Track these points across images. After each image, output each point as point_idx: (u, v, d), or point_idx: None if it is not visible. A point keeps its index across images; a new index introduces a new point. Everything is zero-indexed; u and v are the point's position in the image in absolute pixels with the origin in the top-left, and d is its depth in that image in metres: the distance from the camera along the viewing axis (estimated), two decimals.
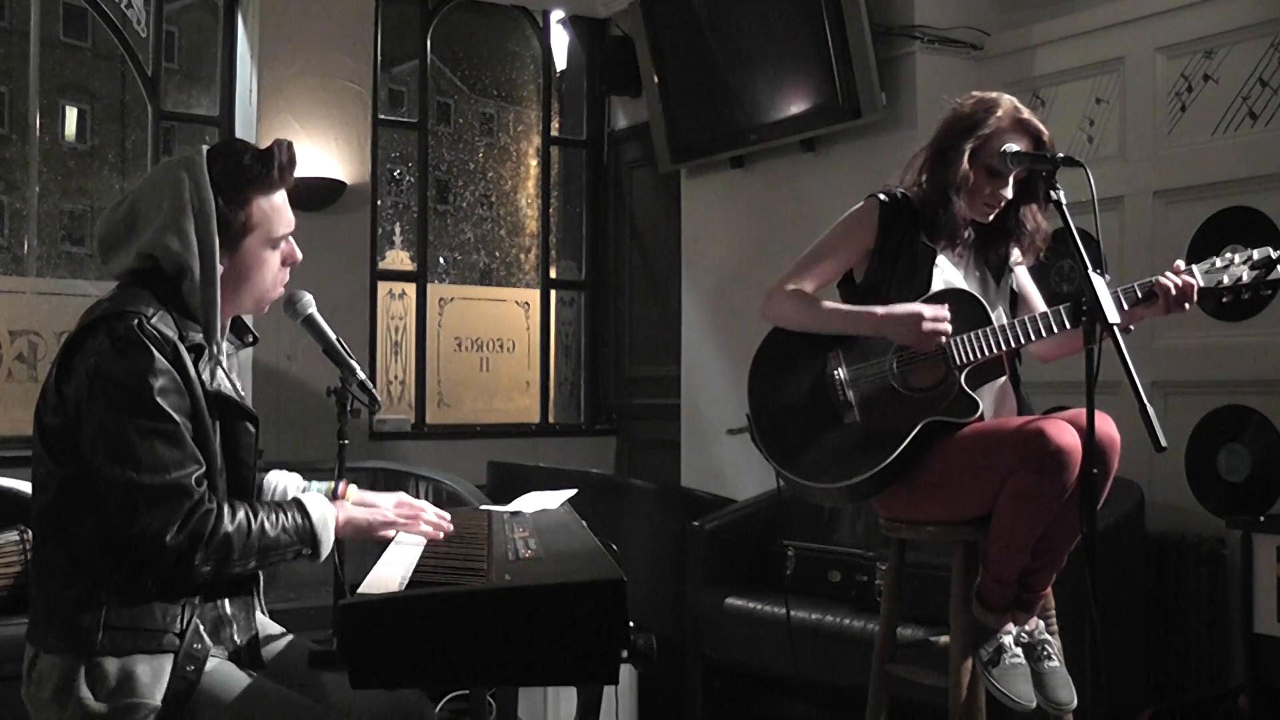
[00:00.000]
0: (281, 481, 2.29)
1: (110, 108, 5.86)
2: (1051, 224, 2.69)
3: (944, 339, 2.56)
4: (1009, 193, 2.62)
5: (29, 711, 1.94)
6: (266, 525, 1.92)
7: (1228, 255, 2.53)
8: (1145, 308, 2.54)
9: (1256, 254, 2.52)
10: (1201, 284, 2.52)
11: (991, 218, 2.66)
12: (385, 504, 2.16)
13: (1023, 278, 2.80)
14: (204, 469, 1.90)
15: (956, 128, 2.64)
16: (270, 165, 1.99)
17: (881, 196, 2.71)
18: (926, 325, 2.54)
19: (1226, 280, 2.52)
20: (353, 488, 2.21)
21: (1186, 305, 2.52)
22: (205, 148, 2.02)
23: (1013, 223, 2.69)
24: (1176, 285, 2.51)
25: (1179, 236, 3.97)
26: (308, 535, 1.97)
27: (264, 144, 2.03)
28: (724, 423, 5.14)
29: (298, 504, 2.00)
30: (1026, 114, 2.64)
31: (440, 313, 5.98)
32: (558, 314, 6.35)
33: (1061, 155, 2.44)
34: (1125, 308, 2.51)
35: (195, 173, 1.96)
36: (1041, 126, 2.64)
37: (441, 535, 2.19)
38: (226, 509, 1.89)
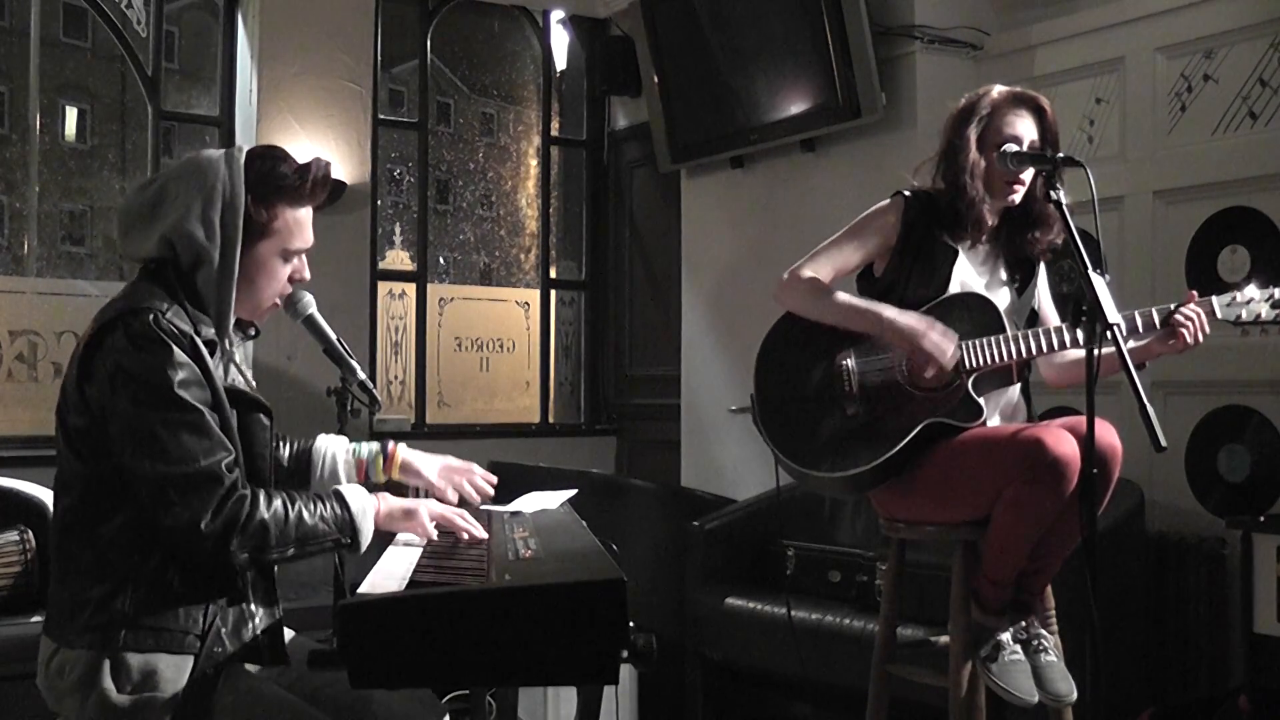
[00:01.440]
0: (329, 446, 2.31)
1: (110, 108, 5.86)
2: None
3: (939, 368, 2.55)
4: (1028, 171, 2.62)
5: (47, 700, 1.95)
6: (305, 513, 1.93)
7: (1250, 291, 2.51)
8: (1160, 344, 2.52)
9: (1279, 292, 2.51)
10: (1220, 316, 2.51)
11: (1018, 198, 2.65)
12: (423, 508, 2.14)
13: (1045, 301, 2.79)
14: (234, 455, 1.91)
15: (957, 121, 2.66)
16: (305, 178, 2.01)
17: (906, 194, 2.71)
18: (926, 344, 2.53)
19: (1245, 316, 2.51)
20: (402, 446, 2.23)
21: (1200, 339, 2.51)
22: (246, 147, 2.04)
23: (1032, 201, 2.68)
24: (1196, 322, 2.49)
25: (1179, 236, 3.97)
26: (347, 525, 1.97)
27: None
28: (724, 422, 5.14)
29: (337, 495, 2.00)
30: (1020, 88, 2.67)
31: (440, 313, 5.98)
32: (558, 314, 6.35)
33: (1061, 155, 2.45)
34: (1140, 330, 2.51)
35: (233, 166, 1.98)
36: (1038, 95, 2.67)
37: (484, 535, 2.18)
38: (262, 496, 1.90)
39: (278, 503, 1.91)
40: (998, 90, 2.66)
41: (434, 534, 2.12)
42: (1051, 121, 2.65)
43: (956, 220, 2.65)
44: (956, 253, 2.66)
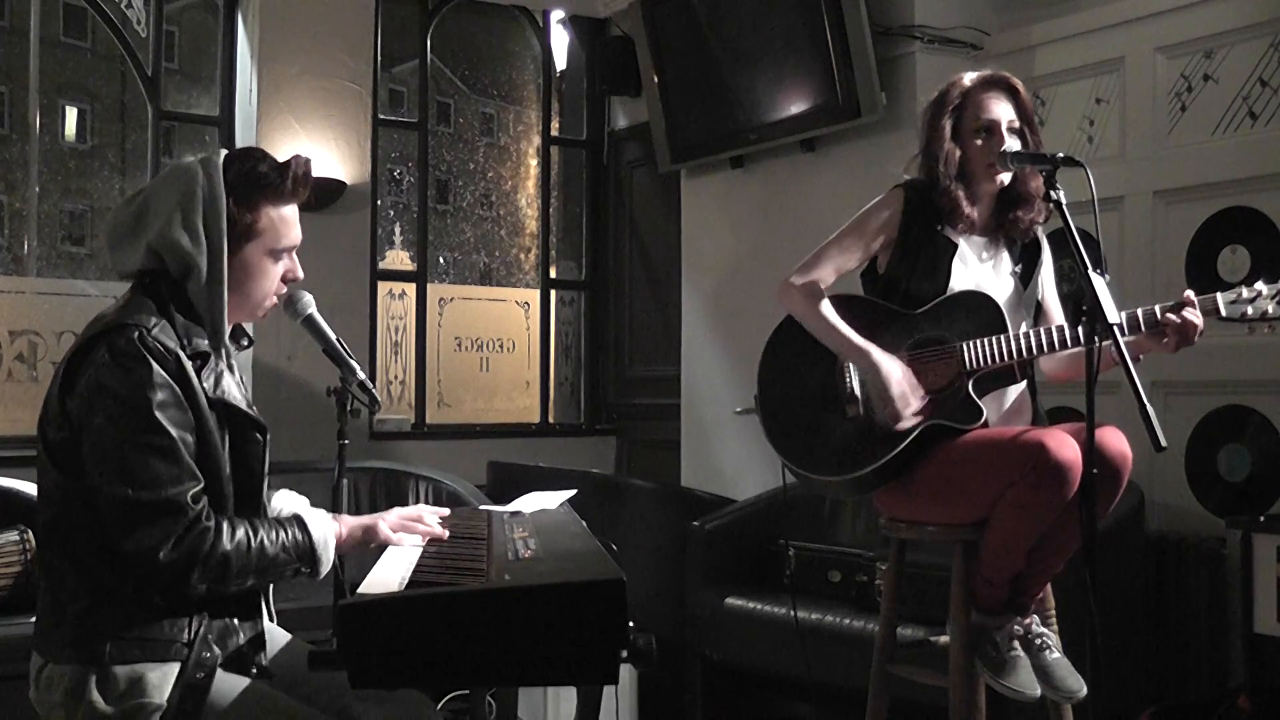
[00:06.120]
0: (287, 506, 2.26)
1: (110, 108, 5.86)
2: (1051, 224, 2.69)
3: (900, 423, 2.55)
4: (1013, 144, 2.62)
5: (39, 714, 1.94)
6: (266, 543, 1.92)
7: (1257, 287, 2.47)
8: (1153, 340, 2.48)
9: None
10: (1225, 315, 2.47)
11: (1006, 178, 2.65)
12: (381, 523, 2.13)
13: (1049, 294, 2.79)
14: (202, 485, 1.89)
15: (930, 114, 2.71)
16: (285, 175, 2.01)
17: (906, 187, 2.72)
18: (894, 391, 2.55)
19: (1251, 312, 2.46)
20: (345, 519, 2.16)
21: (1194, 340, 2.46)
22: (224, 151, 2.03)
23: (1014, 181, 2.68)
24: (1189, 323, 2.44)
25: (1179, 236, 3.97)
26: (307, 553, 1.98)
27: (264, 144, 2.04)
28: (724, 422, 5.14)
29: (299, 521, 2.00)
30: (989, 71, 2.71)
31: (440, 313, 5.98)
32: (558, 314, 6.35)
33: (1061, 155, 2.44)
34: (1143, 329, 2.48)
35: (211, 170, 1.97)
36: (1009, 75, 2.70)
37: (445, 533, 2.18)
38: (226, 527, 1.89)
39: (241, 533, 1.90)
40: (968, 77, 2.69)
41: (400, 542, 2.11)
42: (1025, 100, 2.68)
43: (944, 208, 2.66)
44: (956, 245, 2.66)
